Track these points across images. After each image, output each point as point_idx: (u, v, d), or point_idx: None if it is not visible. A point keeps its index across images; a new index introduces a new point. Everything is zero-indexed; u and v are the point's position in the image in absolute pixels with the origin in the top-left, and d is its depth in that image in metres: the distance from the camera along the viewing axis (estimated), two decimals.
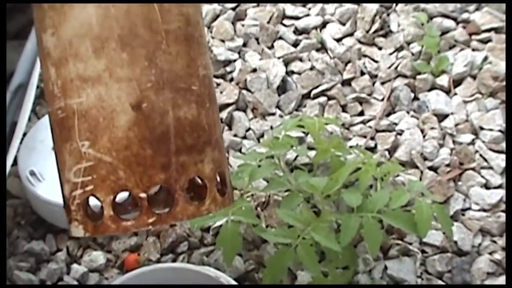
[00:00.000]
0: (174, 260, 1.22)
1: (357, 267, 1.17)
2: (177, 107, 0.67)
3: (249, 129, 1.42)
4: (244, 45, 1.58)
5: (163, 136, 0.66)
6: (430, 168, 1.33)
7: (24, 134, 1.22)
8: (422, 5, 1.60)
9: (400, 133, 1.38)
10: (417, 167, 1.33)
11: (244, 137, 1.42)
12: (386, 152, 1.35)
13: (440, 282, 1.17)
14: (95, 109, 0.66)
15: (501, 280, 1.18)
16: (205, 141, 0.70)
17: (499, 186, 1.30)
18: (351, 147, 1.35)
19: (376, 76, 1.49)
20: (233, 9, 1.65)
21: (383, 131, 1.39)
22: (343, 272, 1.13)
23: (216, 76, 1.51)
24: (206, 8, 1.63)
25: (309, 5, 1.64)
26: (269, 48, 1.56)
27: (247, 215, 1.12)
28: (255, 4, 1.64)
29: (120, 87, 0.65)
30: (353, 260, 1.14)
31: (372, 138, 1.38)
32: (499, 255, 1.22)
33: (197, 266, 1.05)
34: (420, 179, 1.32)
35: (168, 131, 0.67)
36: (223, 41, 1.58)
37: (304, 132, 1.33)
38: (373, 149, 1.37)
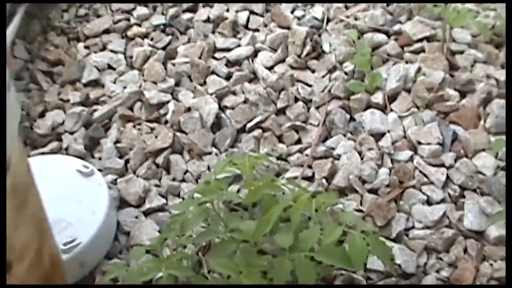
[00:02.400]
0: None
1: None
2: None
3: (186, 171, 1.38)
4: (177, 84, 1.55)
5: None
6: (370, 191, 1.30)
7: None
8: (353, 22, 1.56)
9: (338, 158, 1.35)
10: (356, 192, 1.29)
11: (183, 180, 1.38)
12: (324, 180, 1.31)
13: None
14: None
15: None
16: None
17: (441, 201, 1.27)
18: (288, 179, 1.31)
19: (310, 101, 1.46)
20: (164, 48, 1.61)
21: (320, 158, 1.35)
22: None
23: (150, 121, 1.48)
24: (135, 50, 1.59)
25: (240, 35, 1.60)
26: (202, 84, 1.53)
27: (181, 269, 1.08)
28: (186, 40, 1.60)
29: None
30: None
31: (310, 167, 1.35)
32: (446, 272, 1.19)
33: None
34: (361, 203, 1.28)
35: None
36: (155, 83, 1.54)
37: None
38: (311, 178, 1.33)
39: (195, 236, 1.18)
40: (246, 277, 1.02)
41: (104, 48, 1.68)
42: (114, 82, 1.58)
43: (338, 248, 1.06)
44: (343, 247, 1.06)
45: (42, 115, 1.55)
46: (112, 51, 1.66)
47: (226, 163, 1.22)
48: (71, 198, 1.30)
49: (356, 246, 1.04)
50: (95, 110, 1.53)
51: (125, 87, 1.55)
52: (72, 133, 1.49)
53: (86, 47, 1.69)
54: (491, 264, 1.18)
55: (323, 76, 1.49)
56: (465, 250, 1.21)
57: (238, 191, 1.28)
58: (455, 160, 1.31)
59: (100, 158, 1.44)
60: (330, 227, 1.07)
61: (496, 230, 1.20)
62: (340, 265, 1.04)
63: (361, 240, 1.04)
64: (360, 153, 1.34)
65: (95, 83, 1.60)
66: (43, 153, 1.45)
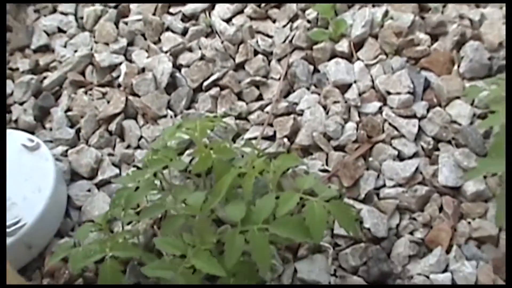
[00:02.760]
0: None
1: (259, 280, 1.02)
2: None
3: (141, 137, 1.28)
4: (130, 44, 1.44)
5: None
6: (336, 148, 1.19)
7: None
8: None
9: (301, 113, 1.24)
10: (321, 150, 1.19)
11: (137, 147, 1.27)
12: (286, 140, 1.20)
13: (355, 278, 1.03)
14: None
15: (423, 263, 1.04)
16: None
17: (414, 155, 1.17)
18: (247, 140, 1.20)
19: (271, 53, 1.35)
20: (115, 6, 1.49)
21: (281, 115, 1.25)
22: None
23: (102, 85, 1.37)
24: (86, 11, 1.48)
25: None
26: (156, 42, 1.42)
27: (126, 248, 0.98)
28: None
29: None
30: (253, 275, 1.00)
31: (271, 125, 1.24)
32: (420, 233, 1.09)
33: None
34: (327, 162, 1.17)
35: None
36: (107, 44, 1.43)
37: None
38: (272, 138, 1.22)
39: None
40: (195, 256, 0.92)
41: (54, 11, 1.56)
42: (65, 46, 1.47)
43: (295, 218, 0.96)
44: (300, 217, 0.95)
45: None
46: (62, 13, 1.54)
47: (175, 128, 1.11)
48: (16, 175, 1.19)
49: (314, 215, 0.94)
50: (45, 78, 1.42)
51: (75, 51, 1.44)
52: (21, 103, 1.39)
53: (36, 11, 1.57)
54: (469, 223, 1.09)
55: (284, 26, 1.38)
56: (441, 209, 1.12)
57: (193, 159, 1.17)
58: (428, 110, 1.20)
59: (51, 129, 1.33)
60: (286, 195, 0.97)
61: (473, 186, 1.10)
62: (297, 238, 0.95)
63: (320, 208, 0.94)
64: (324, 107, 1.24)
65: (45, 49, 1.50)
66: None
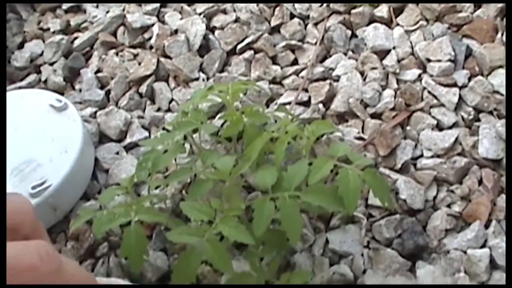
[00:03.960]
0: (94, 265, 1.02)
1: (288, 249, 0.96)
2: None
3: (172, 100, 1.21)
4: (163, 5, 1.36)
5: None
6: (373, 116, 1.12)
7: None
8: None
9: (337, 79, 1.17)
10: (357, 117, 1.12)
11: (168, 110, 1.21)
12: (321, 105, 1.13)
13: (388, 250, 0.96)
14: None
15: (460, 238, 0.97)
16: None
17: (453, 126, 1.09)
18: (281, 105, 1.13)
19: (307, 17, 1.27)
20: None
21: (317, 80, 1.17)
22: (271, 260, 0.93)
23: (134, 46, 1.31)
24: None
25: None
26: (189, 4, 1.33)
27: (152, 213, 0.91)
28: None
29: None
30: (281, 244, 0.93)
31: (306, 90, 1.16)
32: (458, 207, 1.02)
33: (103, 278, 0.85)
34: (362, 130, 1.10)
35: None
36: (139, 5, 1.35)
37: None
38: (306, 103, 1.15)
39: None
40: (222, 222, 0.85)
41: None
42: (96, 7, 1.42)
43: (328, 186, 0.89)
44: (333, 185, 0.88)
45: (20, 46, 1.39)
46: None
47: (206, 90, 1.04)
48: (42, 136, 1.14)
49: (348, 184, 0.87)
50: (76, 38, 1.36)
51: (107, 12, 1.38)
52: (51, 64, 1.33)
53: None
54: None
55: None
56: (480, 182, 1.04)
57: (224, 123, 1.10)
58: (469, 79, 1.12)
59: (80, 90, 1.27)
60: (319, 162, 0.90)
61: None
62: (329, 207, 0.87)
63: (354, 177, 0.87)
64: (362, 74, 1.16)
65: (77, 9, 1.44)
66: (20, 88, 1.28)
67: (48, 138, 1.13)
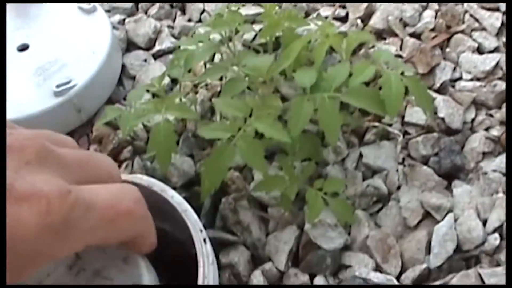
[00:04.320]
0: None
1: (322, 158, 0.91)
2: None
3: (203, 11, 1.16)
4: None
5: None
6: (412, 35, 1.07)
7: None
8: None
9: None
10: (396, 35, 1.06)
11: (199, 21, 1.16)
12: (359, 21, 1.08)
13: (424, 168, 0.91)
14: None
15: (499, 160, 0.92)
16: None
17: (494, 50, 1.04)
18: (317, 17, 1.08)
19: None
20: None
21: None
22: (303, 166, 0.88)
23: None
24: None
25: None
26: None
27: (183, 110, 0.86)
28: None
29: None
30: (316, 150, 0.89)
31: (343, 6, 1.11)
32: (497, 131, 0.97)
33: (128, 175, 0.80)
34: (401, 48, 1.05)
35: None
36: None
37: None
38: (344, 19, 1.10)
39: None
40: (258, 119, 0.80)
41: None
42: None
43: (370, 89, 0.84)
44: (375, 89, 0.83)
45: None
46: None
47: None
48: (69, 37, 1.09)
49: (391, 87, 0.82)
50: None
51: None
52: None
53: None
54: None
55: None
56: None
57: (260, 30, 1.05)
58: None
59: None
60: (360, 65, 0.85)
61: None
62: (371, 109, 0.82)
63: (397, 81, 0.82)
64: None
65: None
66: None
67: (76, 39, 1.09)
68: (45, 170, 0.48)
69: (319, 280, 0.84)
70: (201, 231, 0.71)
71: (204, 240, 0.70)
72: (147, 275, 0.64)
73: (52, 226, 0.44)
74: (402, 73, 0.84)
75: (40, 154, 0.49)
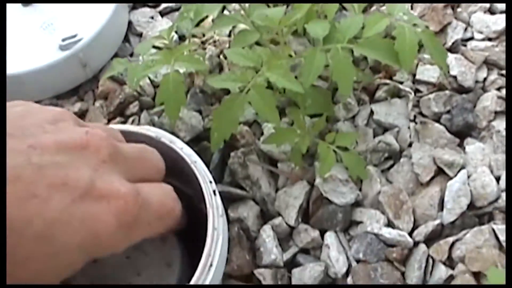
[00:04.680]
0: (123, 124, 0.95)
1: (333, 113, 0.89)
2: None
3: None
4: None
5: None
6: None
7: None
8: None
9: None
10: None
11: None
12: None
13: (436, 125, 0.89)
14: None
15: None
16: None
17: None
18: None
19: None
20: None
21: None
22: (314, 122, 0.86)
23: None
24: None
25: None
26: None
27: (192, 61, 0.83)
28: None
29: None
30: (327, 105, 0.86)
31: None
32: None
33: (135, 126, 0.78)
34: (411, 7, 1.02)
35: None
36: None
37: None
38: None
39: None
40: (270, 69, 0.77)
41: None
42: None
43: (384, 40, 0.81)
44: (390, 40, 0.81)
45: None
46: None
47: None
48: None
49: (405, 40, 0.80)
50: None
51: None
52: None
53: None
54: None
55: None
56: None
57: None
58: None
59: None
60: (374, 17, 0.82)
61: None
62: (385, 60, 0.80)
63: (411, 34, 0.79)
64: None
65: None
66: None
67: None
68: (116, 169, 0.53)
69: (329, 235, 0.82)
70: (210, 182, 0.69)
71: (214, 192, 0.68)
72: (180, 257, 0.68)
73: (126, 223, 0.51)
74: (414, 25, 0.81)
75: (112, 155, 0.54)
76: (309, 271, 0.79)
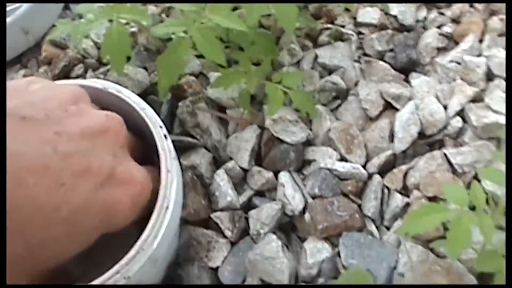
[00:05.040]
0: None
1: (278, 55, 0.88)
2: None
3: None
4: None
5: None
6: None
7: None
8: None
9: None
10: None
11: None
12: None
13: (381, 63, 0.88)
14: None
15: (454, 52, 0.90)
16: None
17: None
18: None
19: None
20: None
21: None
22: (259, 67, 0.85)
23: None
24: None
25: None
26: None
27: (135, 11, 0.82)
28: None
29: None
30: (271, 47, 0.85)
31: None
32: (449, 28, 0.95)
33: (82, 80, 0.76)
34: None
35: None
36: None
37: None
38: None
39: None
40: (212, 11, 0.76)
41: None
42: None
43: None
44: None
45: None
46: None
47: None
48: None
49: None
50: None
51: None
52: None
53: None
54: (501, 19, 0.93)
55: None
56: (471, 5, 0.96)
57: None
58: None
59: None
60: None
61: None
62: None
63: None
64: None
65: None
66: None
67: None
68: (128, 153, 0.59)
69: (284, 175, 0.81)
70: (160, 127, 0.68)
71: (165, 136, 0.67)
72: None
73: (139, 205, 0.57)
74: None
75: (126, 138, 0.59)
76: (266, 211, 0.78)
